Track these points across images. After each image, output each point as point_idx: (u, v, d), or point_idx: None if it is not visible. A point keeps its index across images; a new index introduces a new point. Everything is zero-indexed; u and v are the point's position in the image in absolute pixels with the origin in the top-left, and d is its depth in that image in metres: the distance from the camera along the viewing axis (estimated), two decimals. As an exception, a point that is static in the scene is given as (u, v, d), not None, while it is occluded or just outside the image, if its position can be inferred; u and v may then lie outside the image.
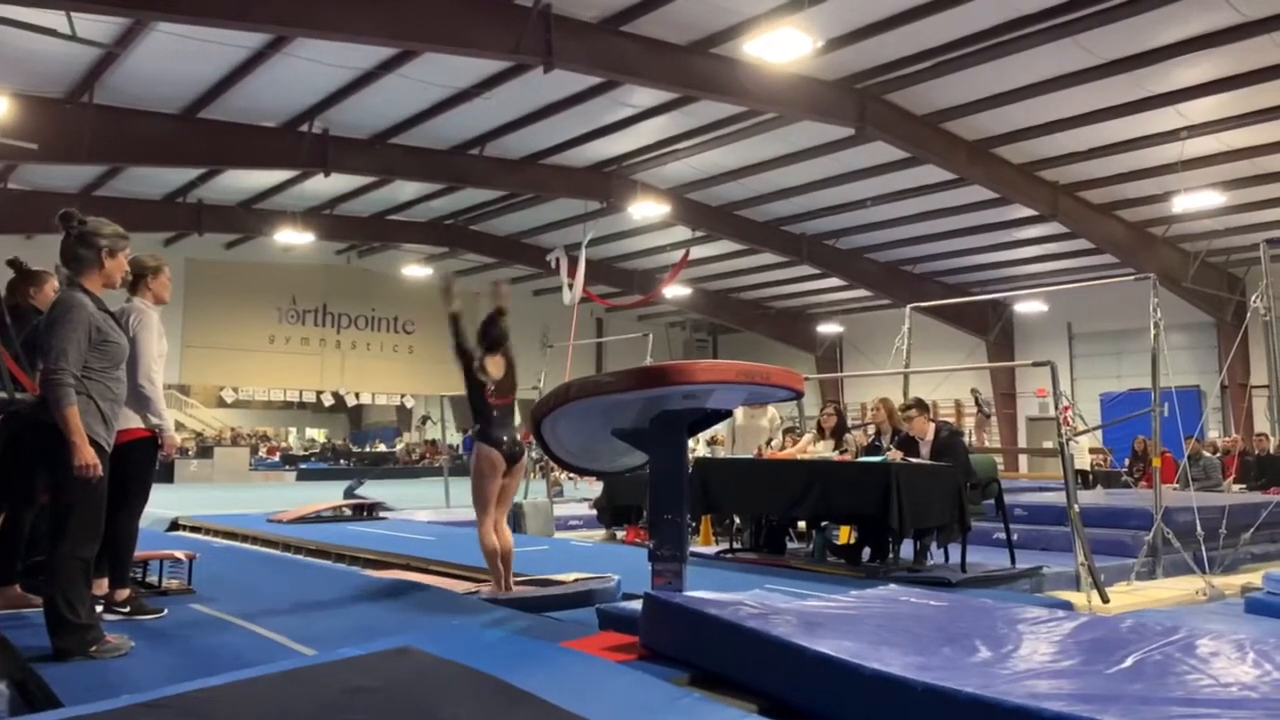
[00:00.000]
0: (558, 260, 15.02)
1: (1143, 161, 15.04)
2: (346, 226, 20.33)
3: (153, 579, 4.97)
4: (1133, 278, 8.38)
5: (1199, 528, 6.78)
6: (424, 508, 11.67)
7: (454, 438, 25.33)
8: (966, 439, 20.67)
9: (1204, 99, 12.77)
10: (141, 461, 4.20)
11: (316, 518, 9.72)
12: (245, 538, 8.64)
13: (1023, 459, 21.76)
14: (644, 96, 13.47)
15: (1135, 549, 6.91)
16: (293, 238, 19.07)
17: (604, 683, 2.74)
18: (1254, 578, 6.44)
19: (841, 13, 10.81)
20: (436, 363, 25.10)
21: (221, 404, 27.93)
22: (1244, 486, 12.23)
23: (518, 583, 5.29)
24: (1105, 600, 5.69)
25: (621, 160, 16.50)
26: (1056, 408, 6.53)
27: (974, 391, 18.27)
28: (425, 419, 25.31)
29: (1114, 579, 6.51)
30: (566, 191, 17.37)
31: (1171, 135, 13.85)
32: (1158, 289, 7.36)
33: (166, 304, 4.53)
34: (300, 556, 7.54)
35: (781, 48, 10.41)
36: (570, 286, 14.39)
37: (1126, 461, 14.48)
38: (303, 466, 24.72)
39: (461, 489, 14.17)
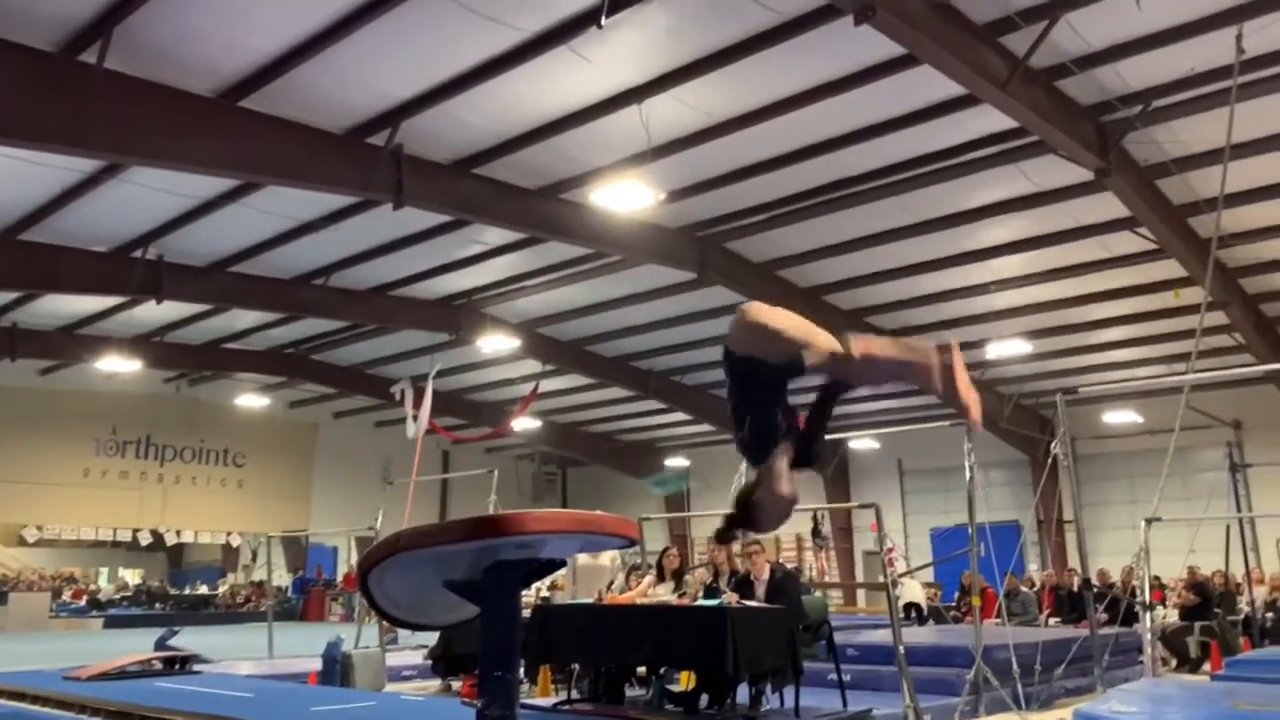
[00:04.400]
0: (402, 392, 14.77)
1: (960, 311, 16.29)
2: (177, 354, 19.41)
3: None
4: (949, 423, 8.96)
5: (1015, 664, 7.10)
6: (245, 658, 10.89)
7: (282, 579, 23.92)
8: (810, 570, 21.16)
9: (1010, 256, 14.07)
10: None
11: (121, 673, 8.85)
12: (35, 699, 7.78)
13: (860, 593, 22.33)
14: (494, 235, 13.72)
15: (959, 687, 7.15)
16: (117, 365, 18.06)
17: None
18: (1066, 714, 6.75)
19: (681, 169, 11.44)
20: (267, 497, 23.88)
21: (22, 543, 25.49)
22: (1059, 620, 12.92)
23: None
24: (931, 743, 5.84)
25: (471, 294, 16.61)
26: (882, 548, 6.81)
27: (814, 518, 18.79)
28: (254, 555, 23.88)
29: (940, 718, 6.69)
30: (414, 323, 17.27)
31: (983, 288, 15.13)
32: (971, 435, 7.89)
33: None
34: (98, 720, 6.85)
35: (626, 198, 10.93)
36: (415, 419, 14.12)
37: (955, 596, 15.09)
38: (111, 612, 22.66)
39: (286, 634, 13.35)
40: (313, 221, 13.03)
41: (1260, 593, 13.19)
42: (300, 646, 11.39)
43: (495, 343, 17.32)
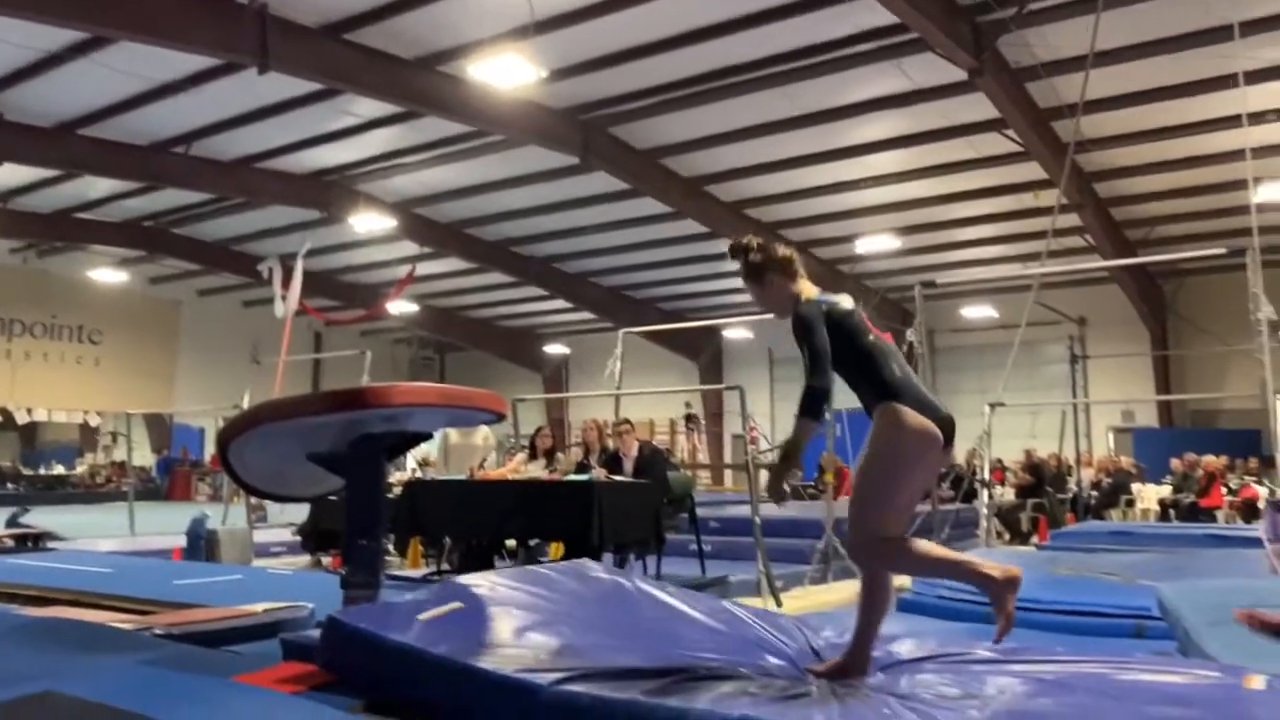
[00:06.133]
0: (270, 270, 14.17)
1: (833, 206, 16.65)
2: (23, 223, 18.14)
3: None
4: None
5: (863, 537, 7.60)
6: (105, 536, 10.64)
7: (145, 459, 23.19)
8: (681, 452, 21.85)
9: (883, 154, 14.39)
10: None
11: (-31, 551, 8.58)
12: (-126, 577, 7.46)
13: (728, 473, 23.23)
14: (368, 107, 13.16)
15: (810, 556, 7.64)
16: (-46, 232, 16.79)
17: (271, 716, 2.68)
18: (905, 580, 7.30)
19: (566, 46, 11.16)
20: (127, 376, 22.90)
21: None
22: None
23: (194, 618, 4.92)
24: (779, 604, 6.25)
25: (343, 170, 15.99)
26: (744, 428, 7.11)
27: (687, 405, 19.38)
28: (114, 437, 22.98)
29: (792, 584, 7.17)
30: (282, 198, 16.58)
31: (857, 184, 15.48)
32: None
33: None
34: (-56, 596, 6.63)
35: (506, 73, 10.60)
36: (283, 299, 13.61)
37: (815, 476, 15.87)
38: (-41, 492, 21.63)
39: (150, 513, 13.04)
40: (171, 83, 12.22)
41: (1088, 474, 14.40)
42: (164, 525, 11.16)
43: (369, 222, 16.80)
